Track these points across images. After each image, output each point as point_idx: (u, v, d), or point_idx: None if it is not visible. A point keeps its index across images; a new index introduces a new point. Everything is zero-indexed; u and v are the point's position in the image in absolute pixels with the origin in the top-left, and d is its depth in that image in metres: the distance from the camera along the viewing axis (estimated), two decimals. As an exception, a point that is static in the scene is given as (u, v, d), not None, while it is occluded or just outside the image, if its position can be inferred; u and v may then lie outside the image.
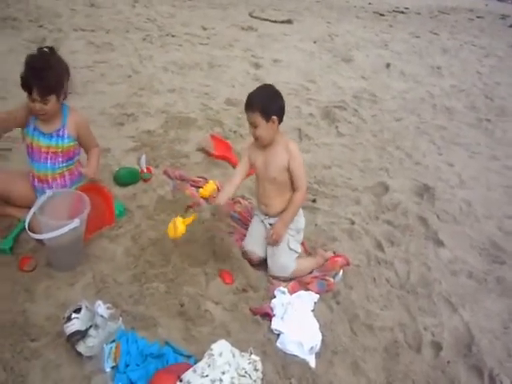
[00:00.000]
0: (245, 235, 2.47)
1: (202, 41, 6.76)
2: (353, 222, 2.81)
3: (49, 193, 2.18)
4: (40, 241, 2.12)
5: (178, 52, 6.00)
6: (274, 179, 2.25)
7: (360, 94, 5.11)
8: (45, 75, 2.10)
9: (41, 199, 2.14)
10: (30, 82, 2.10)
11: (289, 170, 2.22)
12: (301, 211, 2.37)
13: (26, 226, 2.04)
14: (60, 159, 2.34)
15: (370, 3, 13.37)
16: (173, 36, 6.75)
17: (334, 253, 2.46)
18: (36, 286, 2.00)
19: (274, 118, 2.14)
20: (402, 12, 12.33)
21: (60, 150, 2.32)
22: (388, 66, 6.47)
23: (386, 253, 2.58)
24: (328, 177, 3.31)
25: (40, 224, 2.04)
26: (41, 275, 2.07)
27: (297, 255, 2.34)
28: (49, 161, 2.31)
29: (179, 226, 2.15)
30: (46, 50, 2.20)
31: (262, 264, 2.35)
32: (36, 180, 2.36)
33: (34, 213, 2.08)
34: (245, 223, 2.61)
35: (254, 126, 2.18)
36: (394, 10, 12.34)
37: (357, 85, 5.47)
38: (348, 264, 2.35)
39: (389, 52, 7.40)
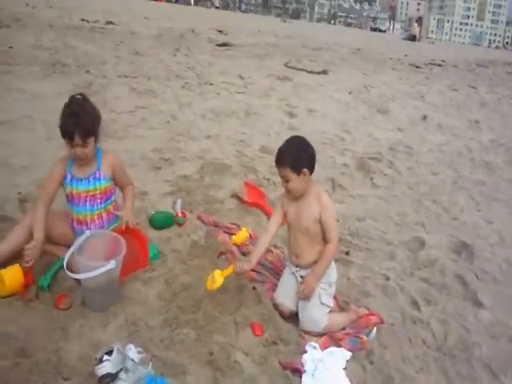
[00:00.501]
0: (276, 285, 2.44)
1: (238, 89, 7.01)
2: (387, 278, 2.74)
3: (87, 233, 2.24)
4: (77, 280, 2.17)
5: (215, 100, 6.23)
6: (306, 230, 2.24)
7: (396, 146, 5.12)
8: (83, 119, 2.23)
9: (79, 239, 2.20)
10: (70, 128, 2.21)
11: (320, 222, 2.21)
12: (333, 264, 2.34)
13: (65, 265, 2.10)
14: (98, 201, 2.43)
15: (405, 55, 13.64)
16: (211, 84, 7.04)
17: (368, 309, 2.39)
18: (70, 324, 2.03)
19: (305, 170, 2.16)
20: (439, 65, 12.50)
21: (98, 191, 2.41)
22: (425, 118, 6.50)
23: (422, 312, 2.49)
24: (362, 229, 3.28)
25: (78, 264, 2.10)
26: (75, 314, 2.09)
27: (329, 310, 2.29)
28: (88, 203, 2.40)
29: (217, 278, 2.19)
30: (78, 96, 2.32)
31: (293, 317, 2.30)
32: (75, 222, 2.44)
33: (73, 252, 2.14)
34: (276, 273, 2.59)
35: (285, 180, 2.21)
36: (430, 63, 12.52)
37: (393, 136, 5.51)
38: (382, 322, 2.28)
39: (425, 104, 7.45)
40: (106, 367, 1.72)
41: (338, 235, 2.29)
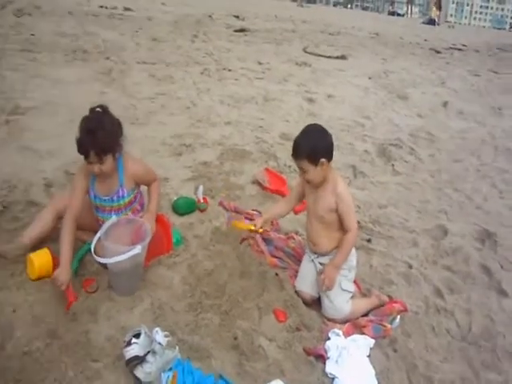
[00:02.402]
0: (297, 271, 2.45)
1: (257, 75, 6.96)
2: (410, 266, 2.73)
3: (113, 219, 2.27)
4: (103, 264, 2.21)
5: (234, 86, 6.20)
6: (321, 217, 2.24)
7: (416, 133, 5.05)
8: (99, 136, 2.10)
9: (106, 225, 2.23)
10: (86, 146, 2.12)
11: (337, 212, 2.20)
12: (353, 250, 2.34)
13: (92, 250, 2.13)
14: (123, 209, 2.40)
15: (425, 40, 13.35)
16: (229, 70, 7.00)
17: (390, 297, 2.39)
18: (98, 307, 2.07)
19: (323, 160, 2.12)
20: (460, 49, 12.21)
21: (122, 205, 2.38)
22: (445, 104, 6.37)
23: (446, 301, 2.48)
24: (384, 216, 3.26)
25: (104, 248, 2.13)
26: (102, 297, 2.13)
27: (350, 295, 2.29)
28: (113, 213, 2.36)
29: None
30: (98, 109, 2.20)
31: (315, 303, 2.32)
32: (101, 222, 2.39)
33: (99, 237, 2.17)
34: (298, 259, 2.59)
35: (303, 171, 2.19)
36: (450, 47, 12.24)
37: (413, 123, 5.42)
38: (406, 310, 2.27)
39: (446, 90, 7.31)
40: (135, 350, 1.76)
41: (356, 223, 2.27)
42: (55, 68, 5.72)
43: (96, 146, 2.11)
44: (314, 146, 2.13)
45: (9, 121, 3.97)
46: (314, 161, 2.11)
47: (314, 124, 2.29)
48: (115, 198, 2.35)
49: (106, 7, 11.76)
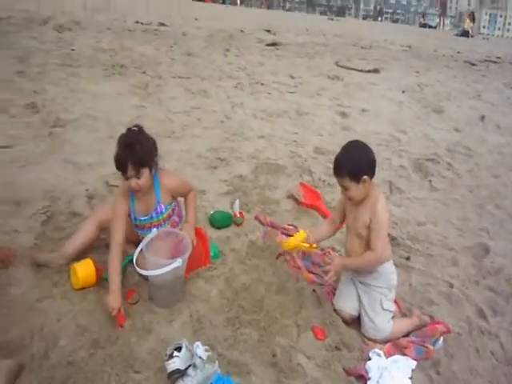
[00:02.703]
0: (335, 288, 2.43)
1: (289, 89, 6.99)
2: (451, 285, 2.66)
3: (154, 232, 2.31)
4: (144, 276, 2.25)
5: (267, 99, 6.25)
6: (360, 234, 2.21)
7: (454, 147, 4.95)
8: (136, 150, 2.18)
9: (148, 238, 2.27)
10: (123, 160, 2.18)
11: (369, 228, 2.16)
12: (393, 268, 2.29)
13: (134, 262, 2.17)
14: (162, 223, 2.44)
15: (458, 52, 13.15)
16: (262, 84, 7.06)
17: (431, 318, 2.33)
18: (139, 319, 2.11)
19: (365, 177, 2.08)
20: (495, 62, 11.95)
21: (161, 220, 2.43)
22: (482, 118, 6.23)
23: (490, 322, 2.39)
24: (422, 234, 3.20)
25: (146, 261, 2.17)
26: (143, 309, 2.17)
27: (391, 315, 2.25)
28: (153, 228, 2.39)
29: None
30: (134, 128, 2.28)
31: (354, 322, 2.28)
32: (141, 238, 2.43)
33: (141, 249, 2.22)
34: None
35: (344, 189, 2.15)
36: (485, 60, 12.00)
37: (450, 137, 5.32)
38: (449, 331, 2.21)
39: (482, 103, 7.15)
40: (176, 363, 1.77)
41: (381, 247, 2.15)
42: (94, 82, 5.89)
43: (133, 159, 2.18)
44: (355, 163, 2.09)
45: (51, 133, 4.11)
46: (356, 178, 2.07)
47: (355, 140, 2.25)
48: (154, 214, 2.40)
49: (142, 23, 12.08)
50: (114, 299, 2.08)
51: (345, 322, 2.25)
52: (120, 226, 2.29)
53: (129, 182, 2.23)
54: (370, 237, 2.15)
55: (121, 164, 2.20)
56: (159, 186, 2.39)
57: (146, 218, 2.40)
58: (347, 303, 2.29)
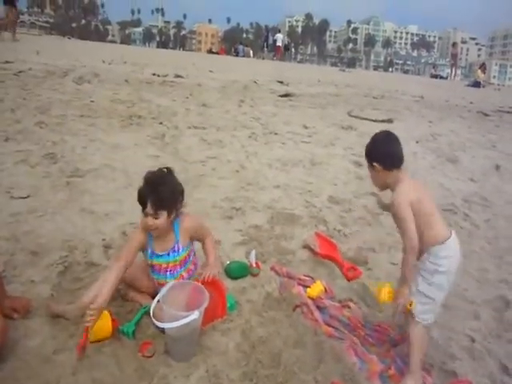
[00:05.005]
0: (355, 343, 2.37)
1: (303, 139, 7.10)
2: (473, 340, 2.58)
3: (171, 283, 2.32)
4: (160, 328, 2.23)
5: (281, 149, 6.34)
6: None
7: (470, 198, 4.93)
8: (159, 190, 2.25)
9: (164, 289, 2.28)
10: (145, 196, 2.26)
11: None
12: (444, 253, 2.20)
13: (151, 314, 2.17)
14: (178, 268, 2.48)
15: (471, 102, 13.31)
16: (276, 134, 7.18)
17: (455, 374, 2.26)
18: (155, 372, 2.08)
19: (375, 164, 2.23)
20: (508, 112, 12.05)
21: (178, 262, 2.47)
22: (498, 168, 6.23)
23: (515, 379, 2.31)
24: (441, 285, 3.13)
25: (163, 312, 2.16)
26: (159, 362, 2.14)
27: (428, 305, 2.21)
28: (168, 273, 2.46)
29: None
30: (164, 169, 2.38)
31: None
32: (156, 283, 2.50)
33: (158, 301, 2.21)
34: (354, 329, 2.52)
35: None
36: (498, 110, 12.10)
37: (466, 187, 5.31)
38: (474, 389, 2.13)
39: (497, 153, 7.16)
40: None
41: (409, 240, 2.12)
42: (112, 133, 6.06)
43: (154, 198, 2.24)
44: (369, 149, 2.31)
45: (69, 183, 4.20)
46: (369, 162, 2.29)
47: (385, 131, 2.37)
48: (171, 253, 2.43)
49: (159, 75, 12.54)
50: (97, 310, 2.10)
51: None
52: (130, 252, 2.34)
53: (146, 220, 2.30)
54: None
55: (141, 199, 2.28)
56: (179, 227, 2.44)
57: (163, 254, 2.43)
58: None
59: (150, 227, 2.32)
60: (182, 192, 2.41)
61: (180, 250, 2.45)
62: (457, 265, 2.25)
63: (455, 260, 2.25)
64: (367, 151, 2.31)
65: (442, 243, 2.19)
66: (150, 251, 2.45)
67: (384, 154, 2.25)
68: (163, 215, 2.29)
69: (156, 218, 2.28)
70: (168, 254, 2.44)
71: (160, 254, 2.44)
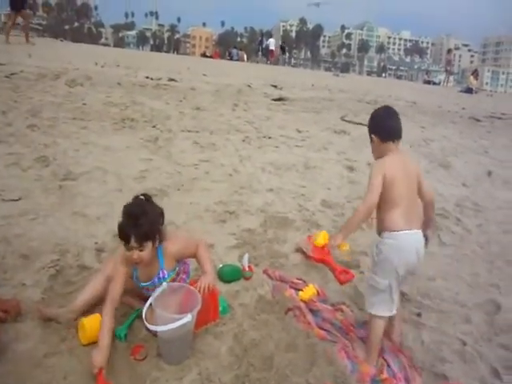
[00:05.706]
0: (347, 346, 2.38)
1: (297, 143, 7.11)
2: (464, 343, 2.60)
3: (164, 286, 2.31)
4: (152, 331, 2.22)
5: (274, 153, 6.35)
6: None
7: (462, 203, 4.97)
8: (141, 222, 2.15)
9: (157, 292, 2.27)
10: (127, 231, 2.16)
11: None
12: (386, 246, 2.28)
13: (144, 317, 2.16)
14: None
15: (463, 108, 13.42)
16: (269, 138, 7.19)
17: (445, 378, 2.27)
18: (147, 376, 2.07)
19: (373, 136, 2.38)
20: (500, 118, 12.16)
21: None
22: (490, 173, 6.28)
23: (505, 382, 2.33)
24: (433, 289, 3.16)
25: (155, 316, 2.16)
26: (151, 365, 2.14)
27: (380, 291, 2.30)
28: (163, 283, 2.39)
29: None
30: (141, 197, 2.29)
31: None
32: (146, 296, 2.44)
33: (150, 304, 2.21)
34: (347, 333, 2.53)
35: None
36: (490, 116, 12.21)
37: (458, 192, 5.35)
38: (465, 393, 2.15)
39: (489, 159, 7.22)
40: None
41: (366, 201, 2.26)
42: (105, 136, 6.03)
43: (137, 231, 2.15)
44: (369, 122, 2.46)
45: (61, 186, 4.17)
46: (369, 134, 2.43)
47: (385, 106, 2.51)
48: (156, 280, 2.39)
49: (152, 78, 12.50)
50: (99, 355, 2.03)
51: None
52: (117, 290, 2.26)
53: (130, 254, 2.20)
54: None
55: (124, 235, 2.18)
56: (163, 254, 2.38)
57: (148, 283, 2.40)
58: None
59: (135, 260, 2.23)
60: (162, 214, 2.34)
61: (166, 276, 2.40)
62: (408, 261, 2.27)
63: (406, 255, 2.26)
64: (368, 124, 2.46)
65: (392, 232, 2.25)
66: (134, 277, 2.41)
67: (381, 126, 2.39)
68: (148, 246, 2.22)
69: (141, 251, 2.20)
70: (153, 283, 2.39)
71: (145, 283, 2.40)
